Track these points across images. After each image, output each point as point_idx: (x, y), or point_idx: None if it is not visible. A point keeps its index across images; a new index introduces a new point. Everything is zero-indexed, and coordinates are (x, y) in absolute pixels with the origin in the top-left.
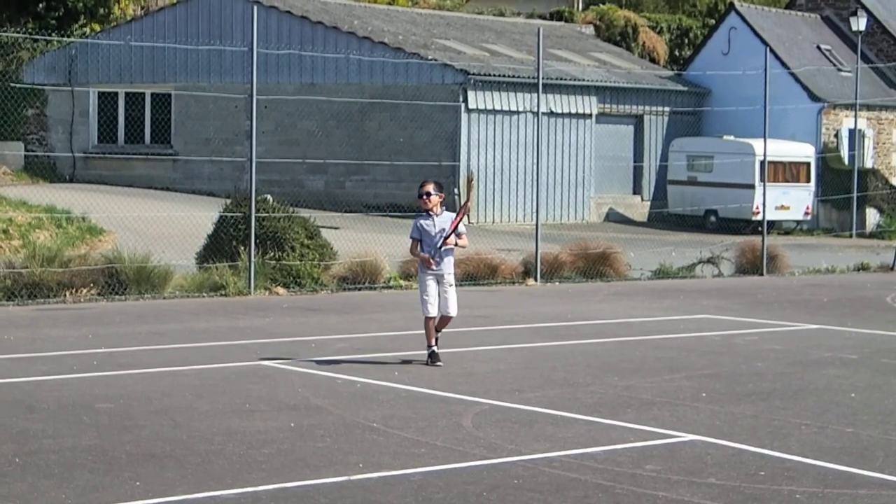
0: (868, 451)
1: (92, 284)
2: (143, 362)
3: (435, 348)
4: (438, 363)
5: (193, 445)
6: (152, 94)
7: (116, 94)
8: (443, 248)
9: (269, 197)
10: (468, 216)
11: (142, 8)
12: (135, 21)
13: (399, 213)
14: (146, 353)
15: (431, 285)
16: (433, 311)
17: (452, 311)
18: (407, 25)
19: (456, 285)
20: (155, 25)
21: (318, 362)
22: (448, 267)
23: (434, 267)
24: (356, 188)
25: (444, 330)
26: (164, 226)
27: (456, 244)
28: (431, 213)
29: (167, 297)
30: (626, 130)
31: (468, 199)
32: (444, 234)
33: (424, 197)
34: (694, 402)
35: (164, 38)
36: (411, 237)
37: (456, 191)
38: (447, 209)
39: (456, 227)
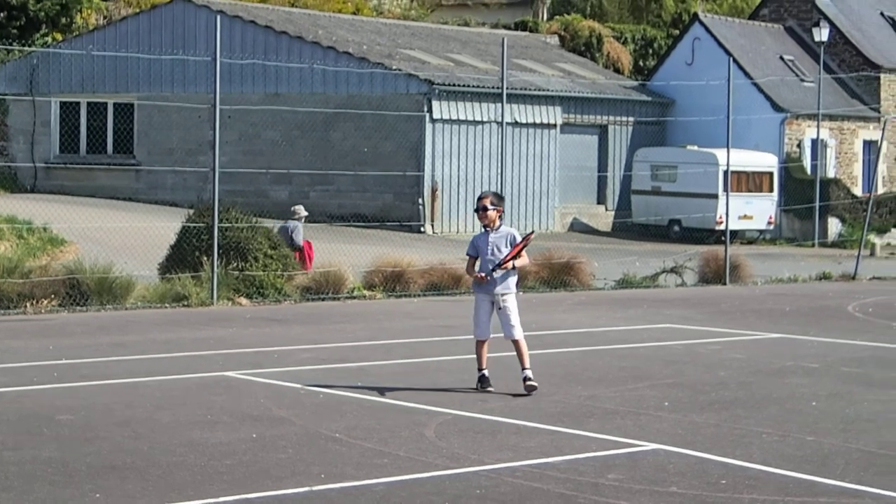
0: (829, 460)
1: (53, 295)
2: (104, 373)
3: (485, 372)
4: (489, 388)
5: (155, 457)
6: (115, 104)
7: (78, 103)
8: (497, 273)
9: (300, 207)
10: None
11: (104, 17)
12: (97, 31)
13: (363, 224)
14: (108, 364)
15: (483, 307)
16: (480, 333)
17: (515, 333)
18: (371, 35)
19: (421, 296)
20: (117, 35)
21: (282, 373)
22: (503, 287)
23: (486, 285)
24: (320, 198)
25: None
26: (126, 236)
27: (513, 267)
28: (488, 228)
29: (129, 308)
30: (590, 140)
31: (531, 233)
32: (501, 259)
33: (481, 212)
34: (657, 412)
35: (126, 48)
36: (466, 254)
37: (420, 200)
38: (410, 220)
39: (515, 255)
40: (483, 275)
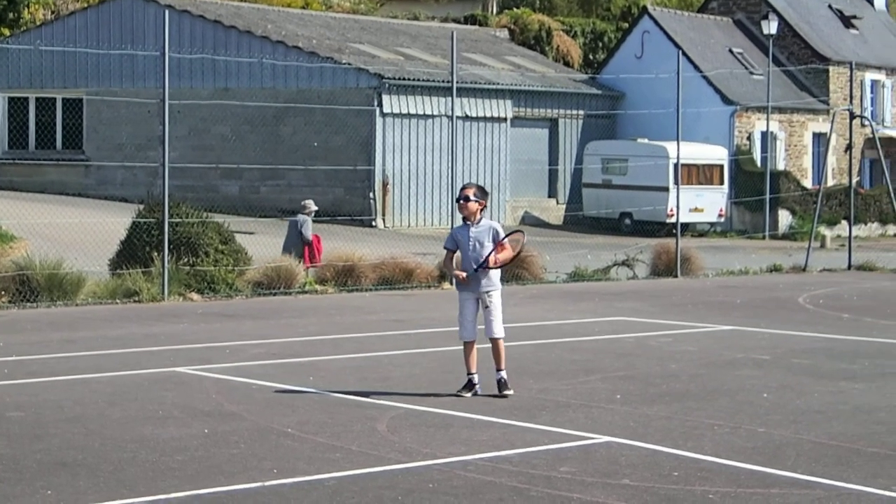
0: (780, 451)
1: (3, 292)
2: (54, 370)
3: (474, 377)
4: (467, 394)
5: (106, 453)
6: (63, 100)
7: (27, 99)
8: (480, 270)
9: (310, 202)
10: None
11: (52, 12)
12: (45, 25)
13: (314, 218)
14: (58, 360)
15: (468, 306)
16: (465, 334)
17: (496, 331)
18: (321, 29)
19: (373, 290)
20: (66, 30)
21: (233, 368)
22: (487, 285)
23: (469, 284)
24: (271, 193)
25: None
26: (76, 232)
27: (496, 263)
28: (469, 221)
29: (80, 304)
30: (540, 134)
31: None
32: (485, 258)
33: (462, 202)
34: (608, 404)
35: (75, 43)
36: (445, 247)
37: (371, 195)
38: (361, 214)
39: (499, 254)
40: (464, 275)
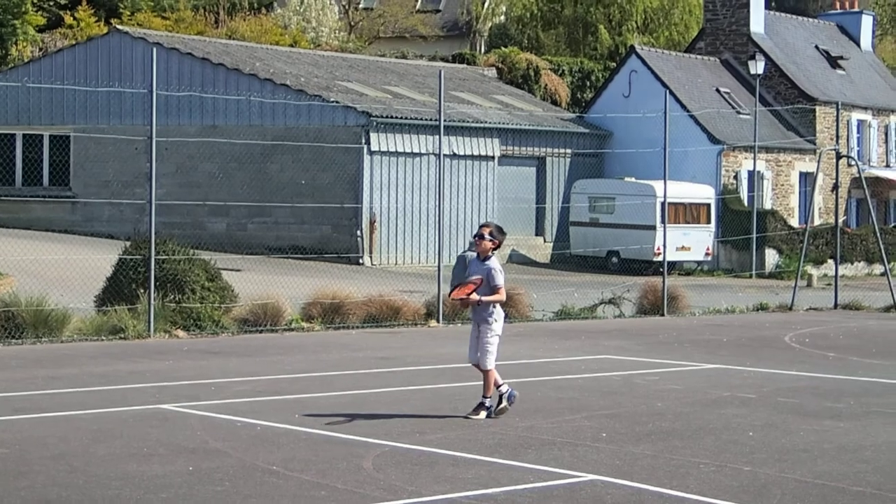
0: (765, 490)
1: None
2: (39, 407)
3: (485, 400)
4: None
5: (90, 491)
6: (51, 136)
7: (14, 135)
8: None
9: None
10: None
11: (40, 49)
12: (33, 62)
13: (301, 256)
14: (43, 397)
15: (472, 330)
16: (468, 356)
17: (480, 360)
18: (309, 67)
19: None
20: (53, 67)
21: (218, 405)
22: (478, 318)
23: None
24: (258, 230)
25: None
26: (62, 269)
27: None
28: (479, 257)
29: (65, 341)
30: (528, 172)
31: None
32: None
33: (477, 239)
34: (594, 443)
35: (62, 80)
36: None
37: (358, 232)
38: (348, 252)
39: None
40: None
